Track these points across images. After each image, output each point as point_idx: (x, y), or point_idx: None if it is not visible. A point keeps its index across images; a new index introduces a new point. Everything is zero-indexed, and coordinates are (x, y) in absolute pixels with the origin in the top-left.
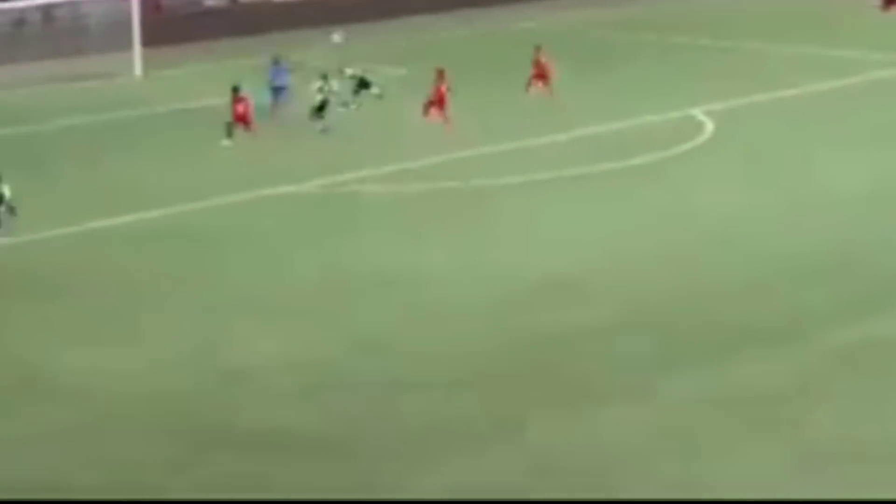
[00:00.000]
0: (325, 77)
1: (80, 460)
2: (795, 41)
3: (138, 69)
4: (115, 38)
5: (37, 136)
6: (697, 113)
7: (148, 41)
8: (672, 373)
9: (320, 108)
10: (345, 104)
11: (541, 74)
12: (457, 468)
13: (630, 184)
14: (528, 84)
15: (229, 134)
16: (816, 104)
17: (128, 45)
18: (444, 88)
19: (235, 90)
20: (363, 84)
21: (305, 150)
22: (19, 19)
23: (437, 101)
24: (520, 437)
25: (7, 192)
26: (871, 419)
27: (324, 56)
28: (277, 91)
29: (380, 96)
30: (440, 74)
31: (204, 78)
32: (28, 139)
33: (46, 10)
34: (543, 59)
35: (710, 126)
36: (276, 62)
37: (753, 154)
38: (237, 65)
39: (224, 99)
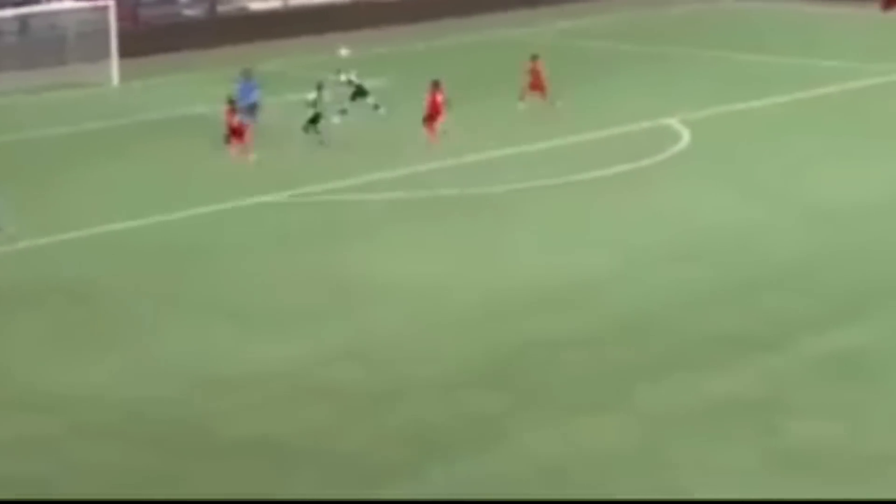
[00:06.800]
0: (319, 87)
1: (62, 468)
2: (777, 50)
3: (115, 79)
4: (93, 48)
5: (14, 146)
6: (673, 122)
7: (125, 52)
8: (649, 381)
9: (314, 121)
10: (343, 111)
11: (536, 84)
12: (440, 475)
13: (608, 193)
14: (523, 93)
15: (227, 142)
16: (795, 113)
17: (105, 55)
18: (439, 100)
19: (231, 102)
20: (360, 92)
21: (289, 159)
22: None
23: (433, 114)
24: (505, 444)
25: None
26: (846, 427)
27: (304, 66)
28: (251, 108)
29: (376, 107)
30: (435, 86)
31: (181, 88)
32: (5, 148)
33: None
34: (539, 69)
35: (686, 135)
36: (246, 78)
37: (729, 163)
38: (214, 75)
39: (200, 109)
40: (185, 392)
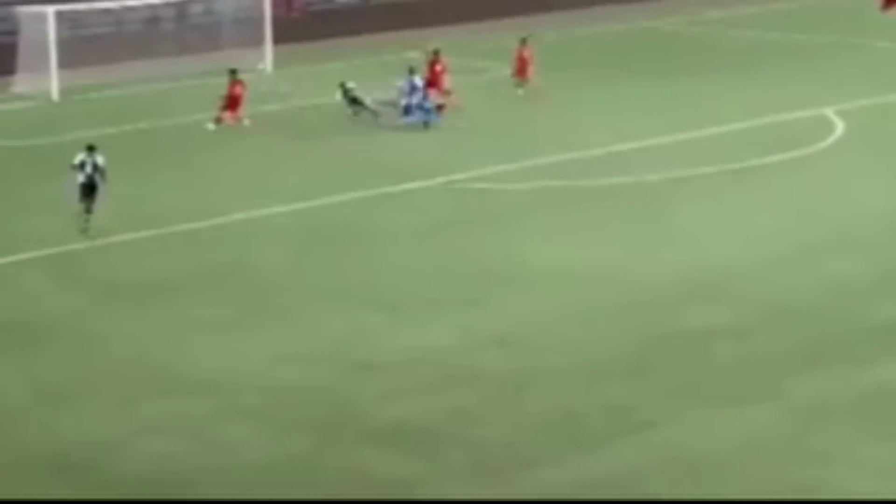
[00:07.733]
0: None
1: (206, 448)
2: None
3: (269, 65)
4: (248, 34)
5: (170, 131)
6: (828, 112)
7: (279, 38)
8: (799, 373)
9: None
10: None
11: (521, 68)
12: (580, 463)
13: (762, 183)
14: (512, 77)
15: (224, 109)
16: None
17: (259, 42)
18: (437, 69)
19: (233, 72)
20: (356, 102)
21: (436, 146)
22: (153, 17)
23: (432, 83)
24: (646, 434)
25: (101, 160)
26: None
27: (458, 53)
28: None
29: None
30: (435, 54)
31: (334, 75)
32: (162, 133)
33: (180, 7)
34: (525, 54)
35: (840, 125)
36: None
37: (889, 153)
38: (367, 63)
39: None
40: (335, 377)
